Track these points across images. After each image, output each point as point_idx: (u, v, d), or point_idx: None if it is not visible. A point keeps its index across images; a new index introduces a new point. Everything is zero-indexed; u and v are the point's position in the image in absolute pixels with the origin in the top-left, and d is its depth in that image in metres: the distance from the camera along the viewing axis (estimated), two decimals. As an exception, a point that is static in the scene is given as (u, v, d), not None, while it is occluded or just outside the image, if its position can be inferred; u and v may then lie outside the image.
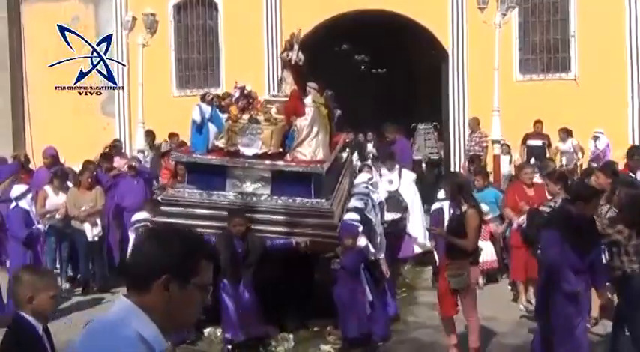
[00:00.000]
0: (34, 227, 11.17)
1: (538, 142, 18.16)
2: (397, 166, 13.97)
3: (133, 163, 14.73)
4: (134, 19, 19.56)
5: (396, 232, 12.84)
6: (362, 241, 9.39)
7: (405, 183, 13.69)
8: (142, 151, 18.73)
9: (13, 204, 11.25)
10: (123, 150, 18.58)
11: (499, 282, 12.85)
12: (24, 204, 11.17)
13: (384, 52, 26.84)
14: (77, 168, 14.50)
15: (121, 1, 21.66)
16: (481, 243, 12.31)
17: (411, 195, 13.68)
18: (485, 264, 12.36)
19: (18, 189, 11.47)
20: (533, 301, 10.53)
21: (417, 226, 13.60)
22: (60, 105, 20.95)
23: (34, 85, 21.76)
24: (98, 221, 12.96)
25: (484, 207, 12.41)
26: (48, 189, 13.09)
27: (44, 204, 12.87)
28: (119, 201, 13.81)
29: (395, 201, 13.21)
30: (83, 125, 21.27)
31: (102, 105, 22.02)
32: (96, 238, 12.90)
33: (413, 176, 14.15)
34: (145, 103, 19.44)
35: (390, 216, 12.68)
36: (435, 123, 20.52)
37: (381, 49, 26.47)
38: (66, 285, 13.22)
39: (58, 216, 12.75)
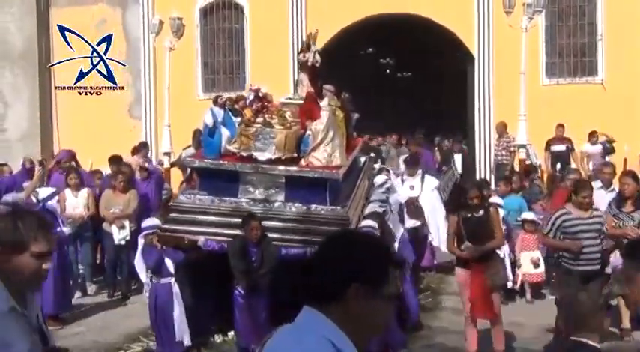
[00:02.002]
0: (57, 229, 10.67)
1: (562, 147, 17.50)
2: (420, 171, 13.33)
3: (146, 164, 14.26)
4: (161, 22, 19.29)
5: (417, 239, 12.27)
6: None
7: (427, 189, 13.02)
8: (168, 154, 18.34)
9: (40, 206, 10.85)
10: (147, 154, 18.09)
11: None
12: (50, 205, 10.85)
13: (409, 55, 26.25)
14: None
15: (148, 5, 21.31)
16: (534, 254, 11.61)
17: (432, 202, 12.99)
18: (532, 276, 11.67)
19: (45, 192, 11.16)
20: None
21: (439, 234, 12.89)
22: (87, 107, 20.56)
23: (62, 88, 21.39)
24: (126, 224, 12.31)
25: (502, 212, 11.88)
26: (67, 192, 12.62)
27: (64, 207, 12.41)
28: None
29: (414, 207, 12.56)
30: (110, 127, 20.88)
31: (128, 108, 21.75)
32: (122, 242, 12.26)
33: (436, 183, 13.42)
34: (171, 106, 19.11)
35: (410, 223, 12.10)
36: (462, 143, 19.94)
37: (406, 52, 25.92)
38: (92, 288, 12.85)
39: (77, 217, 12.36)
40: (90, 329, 10.80)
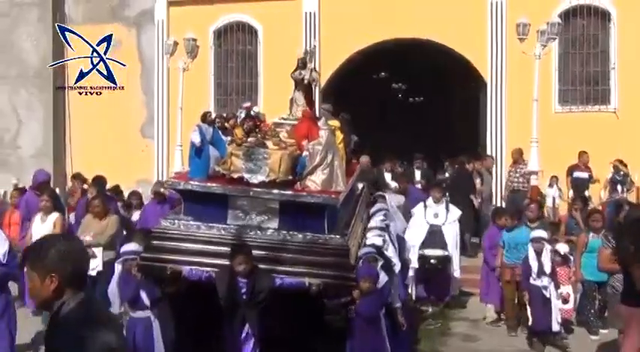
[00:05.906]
0: None
1: (584, 175, 16.24)
2: (445, 199, 12.05)
3: (161, 190, 12.84)
4: (175, 43, 18.40)
5: (445, 270, 11.13)
6: (382, 278, 7.52)
7: (451, 219, 11.73)
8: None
9: None
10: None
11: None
12: None
13: (422, 80, 25.13)
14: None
15: (162, 26, 20.49)
16: (564, 288, 10.30)
17: (454, 233, 11.76)
18: (561, 312, 10.12)
19: None
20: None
21: (456, 265, 11.70)
22: (100, 125, 19.97)
23: (76, 107, 20.64)
24: (98, 253, 10.19)
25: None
26: (37, 216, 11.01)
27: (31, 234, 10.65)
28: (142, 227, 11.80)
29: (439, 236, 11.30)
30: (122, 147, 20.10)
31: (141, 128, 20.80)
32: (93, 272, 9.70)
33: (459, 213, 12.08)
34: (184, 126, 18.10)
35: (434, 253, 10.92)
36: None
37: (419, 77, 24.82)
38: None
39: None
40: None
